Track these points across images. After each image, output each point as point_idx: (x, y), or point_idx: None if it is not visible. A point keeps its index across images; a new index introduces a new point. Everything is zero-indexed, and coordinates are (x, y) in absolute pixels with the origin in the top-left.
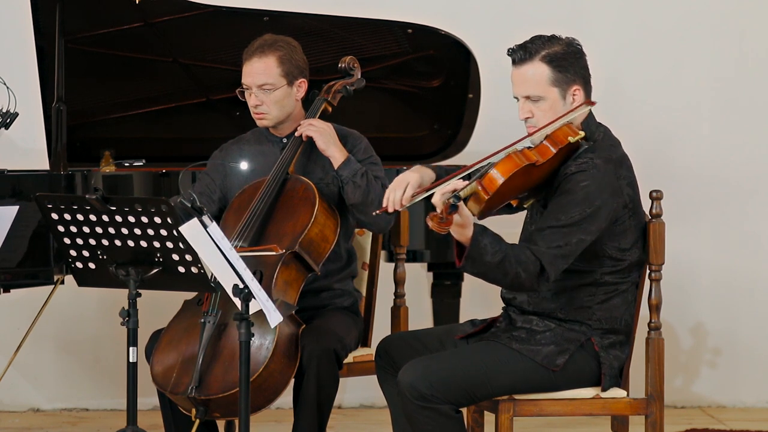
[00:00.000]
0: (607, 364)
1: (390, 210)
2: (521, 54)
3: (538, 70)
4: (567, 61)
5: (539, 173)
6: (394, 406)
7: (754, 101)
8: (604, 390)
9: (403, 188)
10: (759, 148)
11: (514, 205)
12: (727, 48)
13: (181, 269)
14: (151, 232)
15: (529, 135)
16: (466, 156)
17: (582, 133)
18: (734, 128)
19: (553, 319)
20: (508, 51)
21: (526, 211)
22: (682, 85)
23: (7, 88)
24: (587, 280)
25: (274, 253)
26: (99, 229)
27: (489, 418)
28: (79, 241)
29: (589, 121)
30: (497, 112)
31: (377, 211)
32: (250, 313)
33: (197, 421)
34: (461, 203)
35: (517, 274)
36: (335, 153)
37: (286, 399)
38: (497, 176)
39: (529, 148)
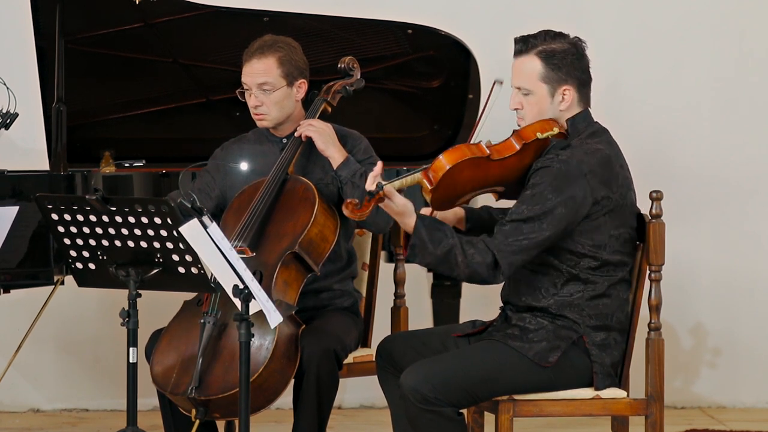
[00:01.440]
0: (599, 362)
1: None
2: (521, 45)
3: (531, 64)
4: (562, 61)
5: (499, 169)
6: (394, 406)
7: (754, 101)
8: (598, 388)
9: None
10: (759, 148)
11: (496, 200)
12: (727, 48)
13: (181, 270)
14: (151, 232)
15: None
16: None
17: (555, 130)
18: (734, 128)
19: (546, 314)
20: (514, 40)
21: None
22: (682, 85)
23: (7, 88)
24: (570, 276)
25: (245, 255)
26: (99, 230)
27: (489, 418)
28: (79, 242)
29: (577, 120)
30: (497, 112)
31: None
32: (250, 313)
33: (197, 421)
34: (390, 191)
35: (467, 265)
36: (334, 153)
37: (286, 399)
38: (442, 164)
39: (485, 143)
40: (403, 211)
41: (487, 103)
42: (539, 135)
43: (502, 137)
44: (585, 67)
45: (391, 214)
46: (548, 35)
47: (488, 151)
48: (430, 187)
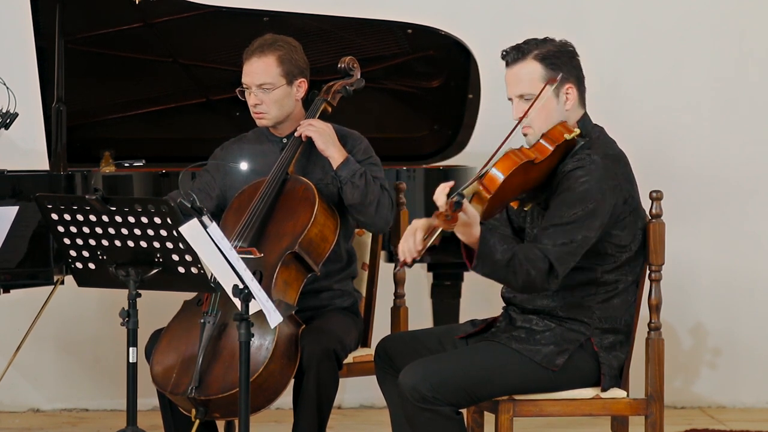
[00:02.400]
0: (607, 364)
1: (408, 261)
2: (514, 54)
3: (531, 68)
4: (560, 60)
5: (537, 172)
6: (393, 406)
7: (754, 101)
8: (603, 390)
9: (413, 235)
10: (759, 148)
11: (515, 208)
12: (727, 48)
13: (181, 269)
14: (151, 232)
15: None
16: (466, 156)
17: (577, 131)
18: (734, 128)
19: (553, 317)
20: (502, 53)
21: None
22: (682, 85)
23: (7, 88)
24: (587, 278)
25: (253, 256)
26: (99, 230)
27: (489, 418)
28: (79, 242)
29: (585, 121)
30: (497, 112)
31: (397, 269)
32: (250, 313)
33: (197, 421)
34: (466, 201)
35: (527, 272)
36: (334, 153)
37: (286, 399)
38: (498, 174)
39: (526, 147)
40: (473, 221)
41: (508, 137)
42: (567, 136)
43: (501, 140)
44: (579, 66)
45: (459, 224)
46: (537, 40)
47: (533, 155)
48: (488, 196)
